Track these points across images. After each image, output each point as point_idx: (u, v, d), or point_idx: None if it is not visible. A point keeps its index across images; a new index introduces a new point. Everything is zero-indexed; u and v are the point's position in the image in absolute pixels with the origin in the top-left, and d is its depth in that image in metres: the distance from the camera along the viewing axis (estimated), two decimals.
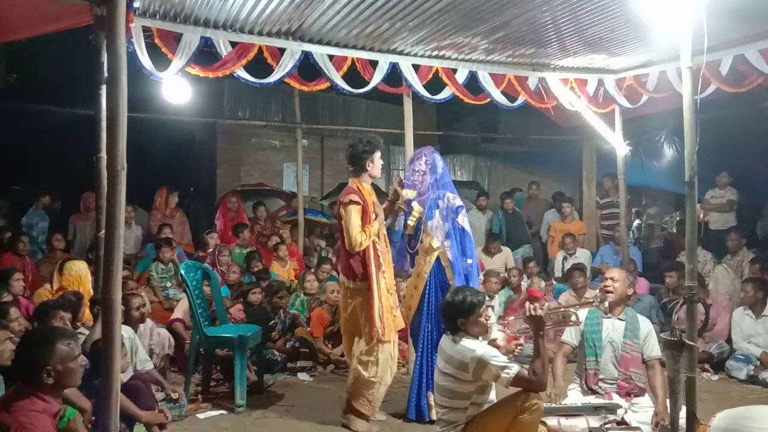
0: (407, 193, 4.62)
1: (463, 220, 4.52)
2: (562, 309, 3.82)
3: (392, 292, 4.36)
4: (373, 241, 4.22)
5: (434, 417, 4.25)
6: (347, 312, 4.40)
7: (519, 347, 3.73)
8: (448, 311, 3.44)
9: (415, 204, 4.58)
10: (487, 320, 3.48)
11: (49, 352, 2.54)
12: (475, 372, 3.22)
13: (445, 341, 3.43)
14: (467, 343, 3.30)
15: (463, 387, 3.29)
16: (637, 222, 10.30)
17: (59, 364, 2.55)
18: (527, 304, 3.50)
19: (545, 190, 10.37)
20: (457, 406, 3.32)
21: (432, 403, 4.34)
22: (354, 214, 4.15)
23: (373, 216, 4.25)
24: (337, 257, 7.21)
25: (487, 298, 5.84)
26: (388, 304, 4.26)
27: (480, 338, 3.42)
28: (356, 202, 4.17)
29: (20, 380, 2.61)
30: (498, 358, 3.23)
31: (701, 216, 8.12)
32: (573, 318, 3.80)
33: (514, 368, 3.20)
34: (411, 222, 4.59)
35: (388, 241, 4.47)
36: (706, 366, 5.69)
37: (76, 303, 4.88)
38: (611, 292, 4.08)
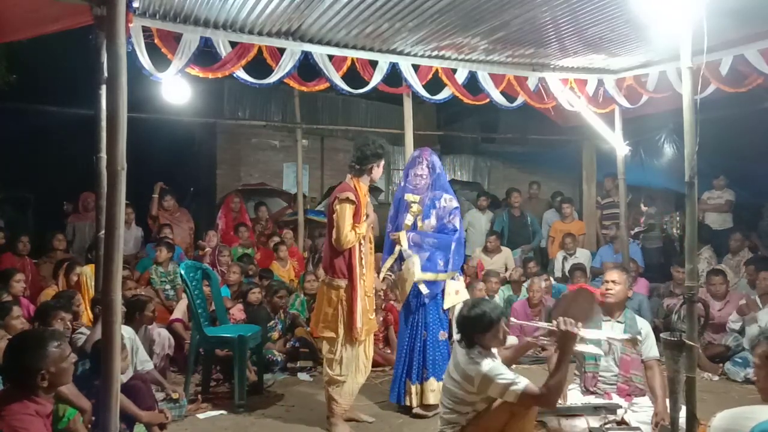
0: (410, 198, 4.70)
1: (454, 219, 4.62)
2: (596, 334, 3.55)
3: (370, 295, 4.36)
4: (359, 242, 4.22)
5: (408, 403, 4.54)
6: (327, 308, 4.33)
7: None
8: (463, 325, 3.29)
9: (415, 205, 4.70)
10: (507, 334, 3.37)
11: (42, 356, 2.54)
12: (480, 387, 3.15)
13: (458, 348, 3.34)
14: (477, 357, 3.20)
15: (467, 396, 3.24)
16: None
17: (52, 366, 2.56)
18: (561, 317, 3.30)
19: (545, 190, 10.36)
20: (459, 410, 3.27)
21: (408, 389, 4.56)
22: (348, 212, 4.14)
23: (364, 218, 4.24)
24: None
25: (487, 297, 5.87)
26: (365, 307, 4.25)
27: (494, 349, 3.33)
28: (352, 201, 4.16)
29: (11, 383, 2.60)
30: (504, 375, 3.10)
31: (701, 216, 8.13)
32: (604, 347, 3.69)
33: (521, 384, 3.07)
34: (408, 222, 4.68)
35: (372, 243, 4.47)
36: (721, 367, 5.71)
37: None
38: (612, 296, 4.06)
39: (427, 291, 4.56)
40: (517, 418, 3.17)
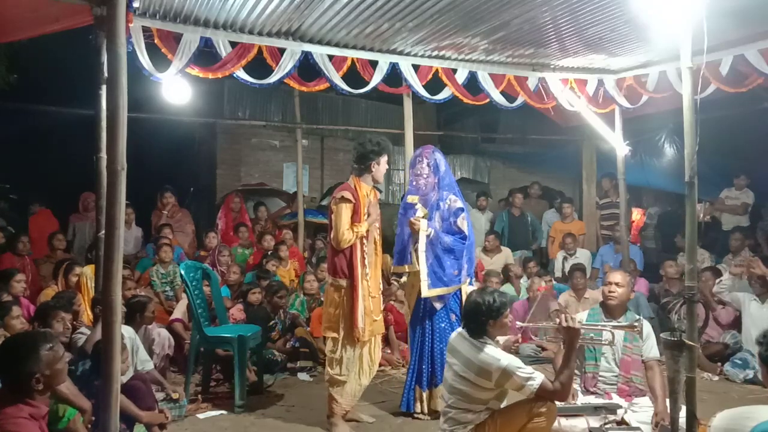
0: (410, 199, 4.63)
1: (462, 222, 4.50)
2: (599, 326, 3.74)
3: (375, 296, 4.32)
4: (360, 241, 4.20)
5: (417, 410, 4.49)
6: (329, 308, 4.34)
7: (515, 344, 3.72)
8: (476, 312, 3.29)
9: (419, 206, 4.59)
10: (511, 323, 3.42)
11: (35, 360, 2.52)
12: (498, 381, 3.18)
13: (462, 343, 3.33)
14: (491, 350, 3.22)
15: (482, 393, 3.24)
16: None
17: (46, 368, 2.54)
18: (561, 314, 3.39)
19: (545, 190, 10.38)
20: (471, 409, 3.27)
21: (418, 396, 4.50)
22: (344, 212, 4.12)
23: (365, 216, 4.21)
24: None
25: None
26: (368, 307, 4.23)
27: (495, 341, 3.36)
28: (348, 200, 4.15)
29: (5, 386, 2.58)
30: (523, 369, 3.18)
31: (701, 216, 8.12)
32: (607, 337, 3.73)
33: (538, 379, 3.16)
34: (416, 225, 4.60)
35: (378, 244, 4.44)
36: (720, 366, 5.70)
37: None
38: (615, 299, 4.06)
39: (441, 304, 4.49)
40: (534, 424, 3.19)
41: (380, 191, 11.37)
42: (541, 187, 10.17)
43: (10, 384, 2.56)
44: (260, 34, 5.39)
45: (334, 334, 4.24)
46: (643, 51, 6.13)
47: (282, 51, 5.49)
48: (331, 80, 5.69)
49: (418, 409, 4.49)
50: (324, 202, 10.56)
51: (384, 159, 4.34)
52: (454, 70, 6.29)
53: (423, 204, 4.60)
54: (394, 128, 8.71)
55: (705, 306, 5.96)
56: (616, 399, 3.95)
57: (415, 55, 6.10)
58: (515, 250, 8.55)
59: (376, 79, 5.92)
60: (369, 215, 4.24)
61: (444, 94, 6.35)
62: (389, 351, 6.09)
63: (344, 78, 5.78)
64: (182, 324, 5.85)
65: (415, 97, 6.33)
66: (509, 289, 7.32)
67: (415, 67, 6.13)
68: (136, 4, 4.56)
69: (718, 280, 5.99)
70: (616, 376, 4.00)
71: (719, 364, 5.72)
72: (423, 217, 4.52)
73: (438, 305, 4.49)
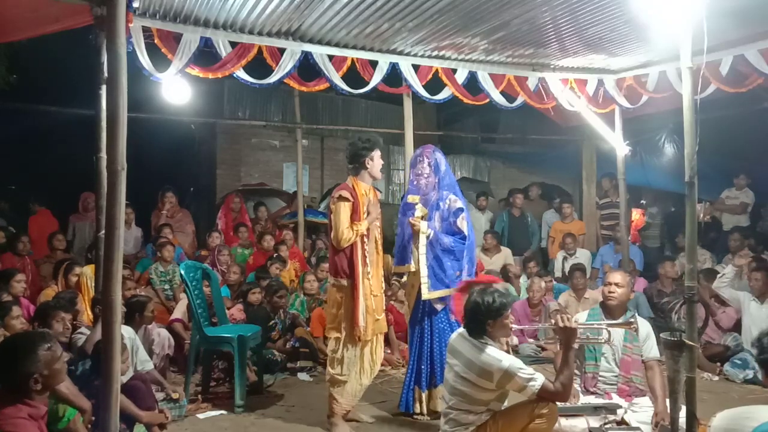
0: (410, 199, 4.63)
1: (462, 223, 4.48)
2: (595, 325, 3.77)
3: (377, 295, 4.32)
4: (361, 240, 4.20)
5: (416, 410, 4.48)
6: (331, 309, 4.35)
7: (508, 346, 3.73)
8: (476, 312, 3.28)
9: (419, 206, 4.58)
10: (512, 323, 3.43)
11: (33, 361, 2.52)
12: (500, 382, 3.18)
13: (463, 344, 3.32)
14: (493, 351, 3.21)
15: (483, 394, 3.24)
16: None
17: (45, 369, 2.54)
18: (557, 315, 3.40)
19: (545, 190, 10.37)
20: (472, 410, 3.27)
21: (417, 396, 4.49)
22: (343, 210, 4.13)
23: (364, 215, 4.22)
24: None
25: None
26: (370, 306, 4.23)
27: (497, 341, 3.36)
28: (346, 199, 4.16)
29: (3, 387, 2.58)
30: (524, 370, 3.18)
31: (701, 216, 8.12)
32: (604, 335, 3.74)
33: (540, 380, 3.17)
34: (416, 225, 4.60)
35: (379, 243, 4.44)
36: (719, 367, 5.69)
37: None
38: (615, 299, 4.06)
39: (442, 305, 4.48)
40: (535, 425, 3.20)
41: (380, 191, 11.39)
42: (540, 185, 10.17)
43: (8, 384, 2.55)
44: (260, 34, 5.39)
45: (337, 334, 4.25)
46: (643, 51, 6.13)
47: (282, 51, 5.49)
48: (331, 80, 5.69)
49: (417, 410, 4.49)
50: (323, 204, 10.57)
51: (377, 154, 4.34)
52: (454, 70, 6.29)
53: (423, 204, 4.59)
54: (394, 128, 8.71)
55: (705, 307, 5.96)
56: (616, 399, 3.96)
57: (415, 55, 6.10)
58: (515, 251, 8.54)
59: (376, 79, 5.92)
60: (368, 214, 4.25)
61: (444, 94, 6.35)
62: (389, 351, 6.09)
63: (344, 78, 5.78)
64: (182, 324, 5.85)
65: (415, 97, 6.33)
66: (509, 289, 7.32)
67: (415, 67, 6.13)
68: (136, 4, 4.56)
69: (720, 275, 5.99)
70: (616, 376, 4.00)
71: (719, 364, 5.72)
72: (422, 218, 4.51)
73: (439, 306, 4.49)
